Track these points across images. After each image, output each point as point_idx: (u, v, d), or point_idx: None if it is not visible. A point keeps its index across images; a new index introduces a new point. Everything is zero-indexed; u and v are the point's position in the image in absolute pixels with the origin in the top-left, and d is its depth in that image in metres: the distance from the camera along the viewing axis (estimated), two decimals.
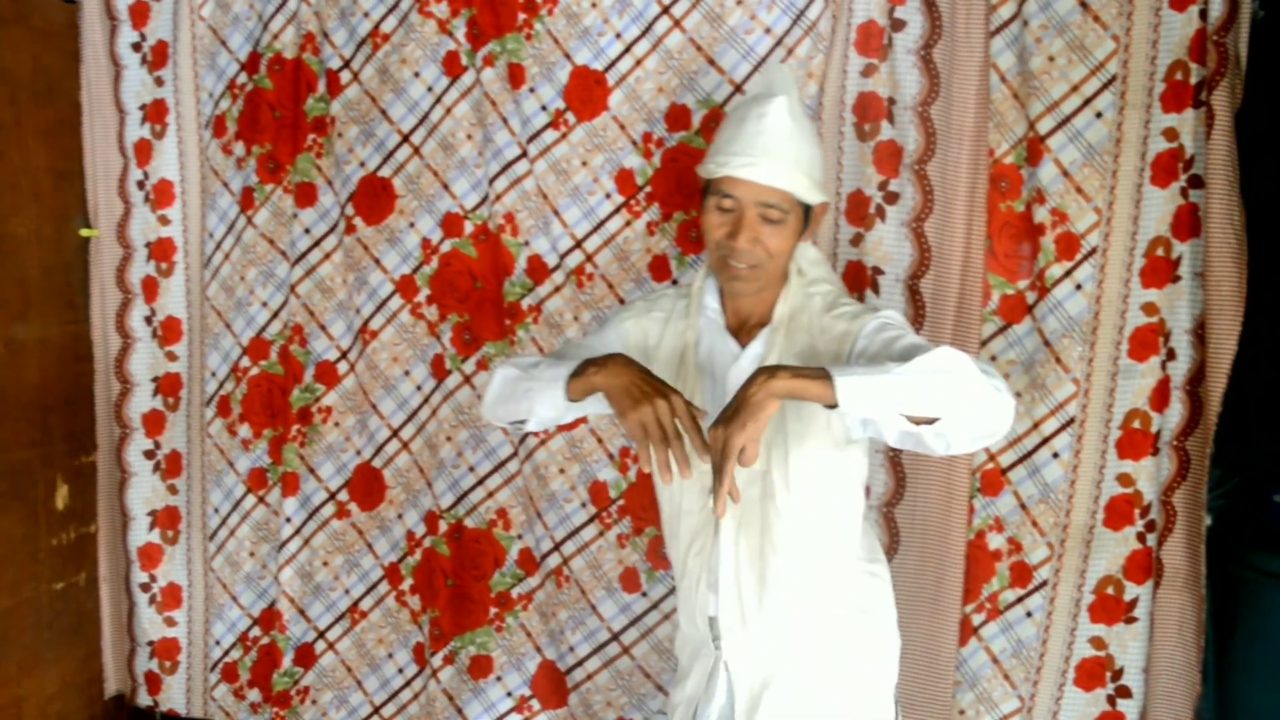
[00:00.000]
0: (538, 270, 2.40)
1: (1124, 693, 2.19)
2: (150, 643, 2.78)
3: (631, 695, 2.44)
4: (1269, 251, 2.10)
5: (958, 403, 1.40)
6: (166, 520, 2.76)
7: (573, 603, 2.45)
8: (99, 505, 2.77)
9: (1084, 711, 2.22)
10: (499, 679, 2.54)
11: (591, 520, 2.42)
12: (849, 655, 1.75)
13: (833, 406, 1.40)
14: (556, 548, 2.45)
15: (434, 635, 2.55)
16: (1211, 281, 2.05)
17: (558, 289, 2.39)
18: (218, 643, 2.77)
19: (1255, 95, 2.04)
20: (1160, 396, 2.12)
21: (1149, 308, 2.11)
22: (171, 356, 2.71)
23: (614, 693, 2.46)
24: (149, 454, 2.74)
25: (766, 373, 1.43)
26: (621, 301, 2.36)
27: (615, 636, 2.43)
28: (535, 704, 2.53)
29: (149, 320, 2.71)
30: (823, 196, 1.69)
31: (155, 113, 2.63)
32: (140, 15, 2.61)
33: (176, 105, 2.63)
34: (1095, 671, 2.21)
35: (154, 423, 2.73)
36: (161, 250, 2.68)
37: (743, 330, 1.75)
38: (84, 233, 2.68)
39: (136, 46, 2.63)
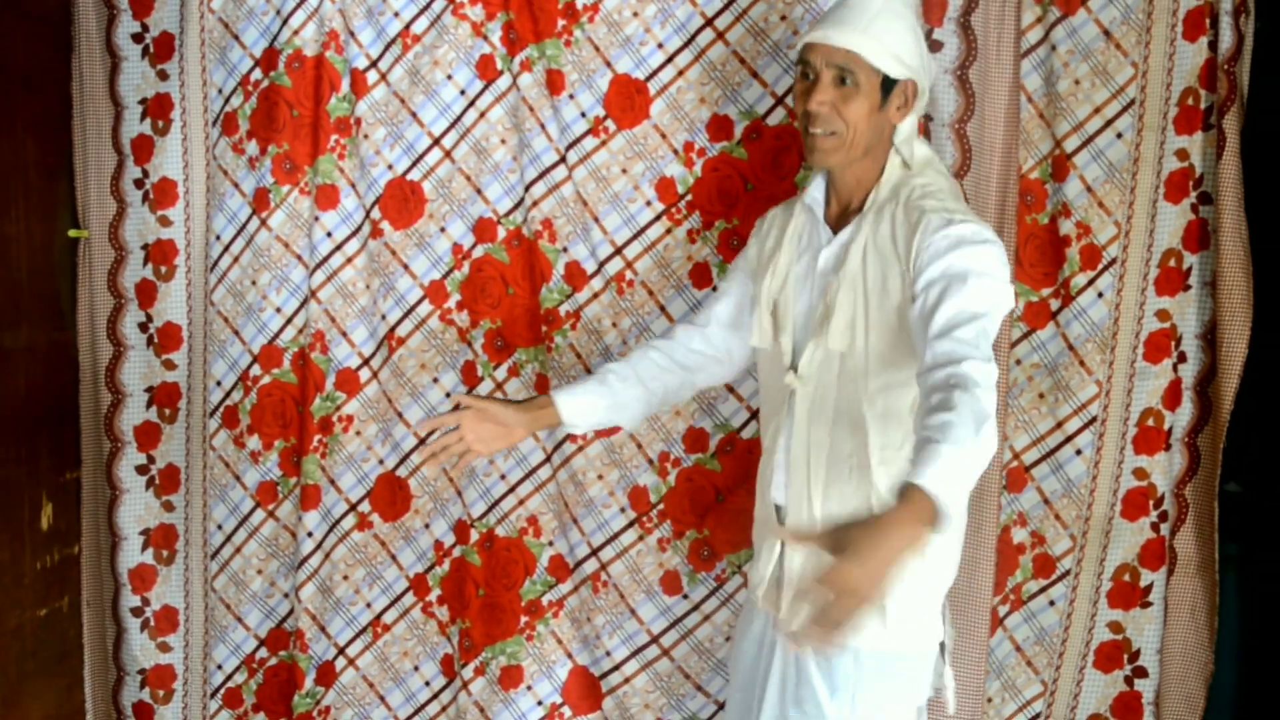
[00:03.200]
0: (576, 276, 2.40)
1: (1140, 673, 2.36)
2: (141, 671, 2.63)
3: (670, 696, 2.47)
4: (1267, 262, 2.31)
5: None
6: (161, 539, 2.61)
7: (610, 607, 2.46)
8: (83, 525, 2.60)
9: (1103, 692, 2.39)
10: (529, 688, 2.52)
11: (631, 525, 2.44)
12: (908, 571, 1.66)
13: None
14: (594, 553, 2.45)
15: (464, 646, 2.51)
16: (1223, 290, 2.24)
17: (596, 295, 2.40)
18: (219, 667, 2.63)
19: (1255, 118, 2.26)
20: (1172, 396, 2.31)
21: (1162, 314, 2.30)
22: (169, 365, 2.57)
23: (652, 695, 2.48)
24: (142, 469, 2.60)
25: (906, 536, 1.41)
26: (662, 308, 2.39)
27: (655, 639, 2.45)
28: (567, 710, 2.52)
29: (144, 327, 2.56)
30: (904, 71, 1.74)
31: (158, 108, 2.50)
32: (143, 5, 2.48)
33: (182, 100, 2.50)
34: (1113, 654, 2.37)
35: (148, 435, 2.59)
36: (161, 253, 2.54)
37: (843, 218, 1.83)
38: (73, 233, 2.53)
39: (138, 37, 2.49)
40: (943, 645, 1.86)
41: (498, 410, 2.01)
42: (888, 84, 1.74)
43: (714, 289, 2.37)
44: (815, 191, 1.88)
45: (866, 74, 1.72)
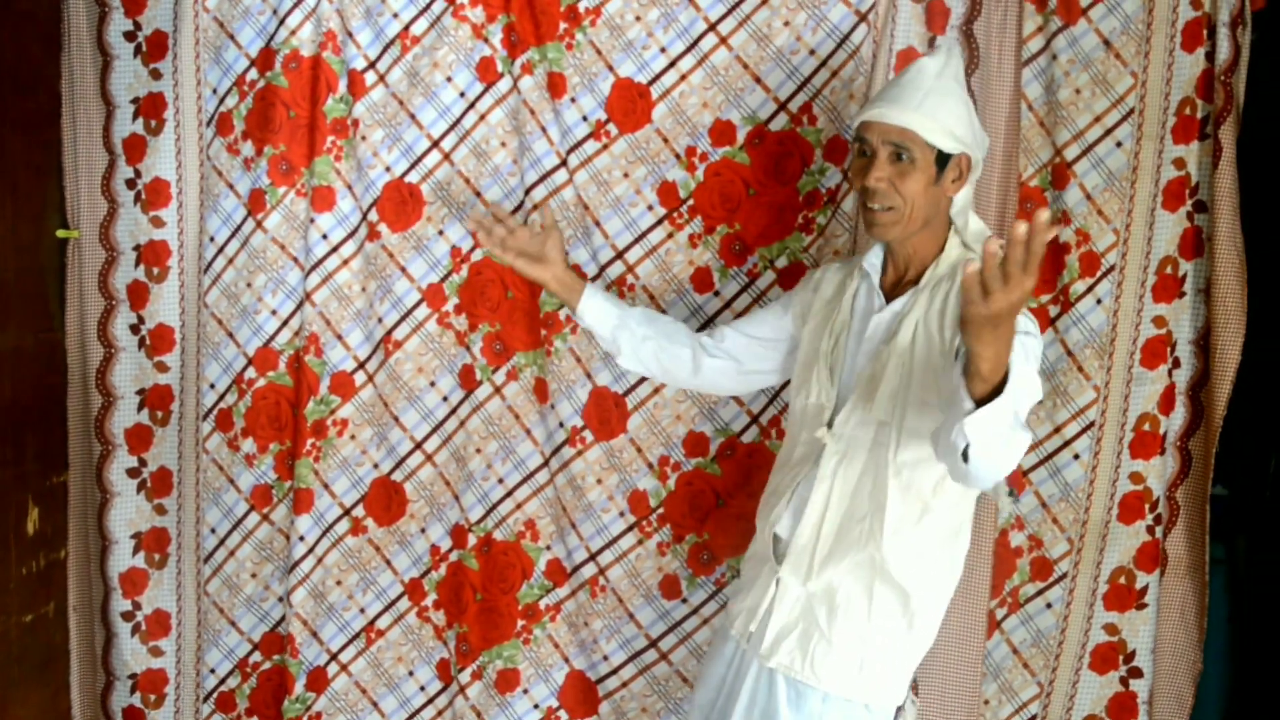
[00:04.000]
0: None
1: (1135, 673, 2.39)
2: (132, 675, 2.59)
3: (668, 700, 2.47)
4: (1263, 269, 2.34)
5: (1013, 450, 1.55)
6: (153, 543, 2.57)
7: (608, 612, 2.45)
8: (71, 529, 2.56)
9: (1099, 693, 2.41)
10: (526, 691, 2.51)
11: (630, 529, 2.43)
12: (883, 624, 1.81)
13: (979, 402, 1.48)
14: (592, 558, 2.45)
15: (461, 651, 2.49)
16: (1217, 297, 2.27)
17: None
18: (212, 671, 2.60)
19: (1250, 127, 2.29)
20: (1167, 401, 2.34)
21: (1158, 320, 2.33)
22: (161, 367, 2.53)
23: (649, 699, 2.47)
24: (133, 472, 2.55)
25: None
26: (663, 313, 2.36)
27: (653, 643, 2.45)
28: (563, 715, 2.52)
29: (135, 328, 2.52)
30: (958, 146, 1.79)
31: (150, 107, 2.45)
32: (135, 3, 2.43)
33: (176, 100, 2.46)
34: (1109, 655, 2.40)
35: (139, 438, 2.54)
36: (153, 254, 2.50)
37: (898, 286, 1.88)
38: (61, 234, 2.48)
39: (130, 35, 2.45)
40: (899, 710, 1.89)
41: (546, 248, 2.13)
42: (942, 159, 1.80)
43: (716, 293, 2.37)
44: (874, 258, 1.93)
45: (921, 150, 1.78)
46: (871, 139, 1.81)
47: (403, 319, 2.45)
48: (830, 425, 1.85)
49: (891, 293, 1.89)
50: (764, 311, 2.14)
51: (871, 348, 1.85)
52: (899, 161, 1.79)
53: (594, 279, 2.39)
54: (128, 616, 2.57)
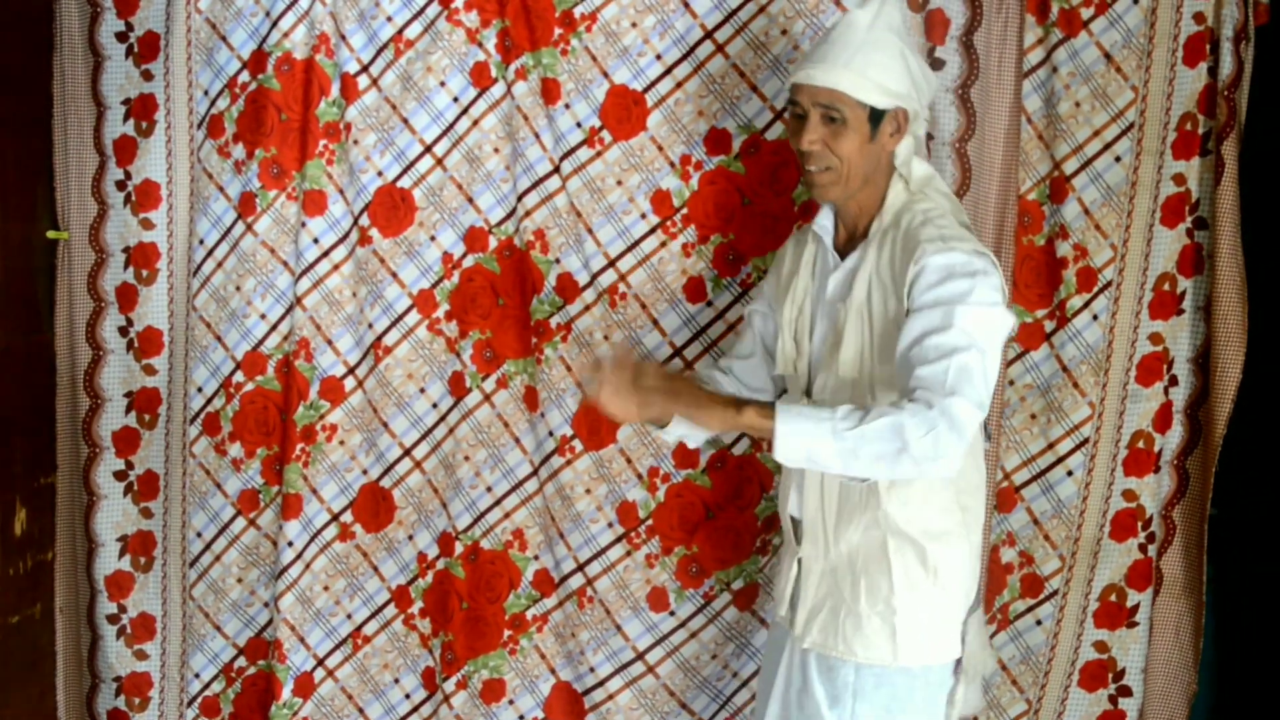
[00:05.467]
0: (568, 288, 2.37)
1: (1125, 692, 2.38)
2: (117, 678, 2.58)
3: (655, 714, 2.45)
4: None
5: (883, 472, 1.63)
6: (139, 546, 2.56)
7: (595, 623, 2.44)
8: (58, 531, 2.55)
9: (1087, 711, 2.40)
10: (511, 702, 2.50)
11: (619, 540, 2.41)
12: (906, 583, 1.79)
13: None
14: (580, 568, 2.43)
15: (446, 660, 2.48)
16: (1219, 315, 2.25)
17: (588, 308, 2.37)
18: (197, 675, 2.58)
19: (1250, 144, 2.26)
20: (1163, 419, 2.32)
21: (1155, 337, 2.31)
22: (149, 370, 2.52)
23: (635, 712, 2.46)
24: (120, 475, 2.54)
25: (734, 410, 1.67)
26: (654, 322, 2.36)
27: (640, 656, 2.43)
28: None
29: (124, 331, 2.51)
30: (891, 100, 1.75)
31: (141, 108, 2.44)
32: (127, 4, 2.42)
33: (167, 102, 2.44)
34: (1098, 673, 2.38)
35: (127, 441, 2.53)
36: (143, 256, 2.48)
37: (850, 243, 1.87)
38: (51, 235, 2.47)
39: (122, 36, 2.43)
40: (958, 663, 1.86)
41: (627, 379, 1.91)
42: (876, 114, 1.77)
43: (709, 303, 2.35)
44: (824, 219, 1.91)
45: (852, 109, 1.75)
46: (803, 101, 1.78)
47: (393, 325, 2.43)
48: (809, 394, 1.85)
49: (845, 250, 1.87)
50: (751, 324, 2.08)
51: (831, 309, 1.84)
52: (831, 123, 1.76)
53: (586, 287, 2.37)
54: (113, 619, 2.56)
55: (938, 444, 1.57)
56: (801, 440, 1.60)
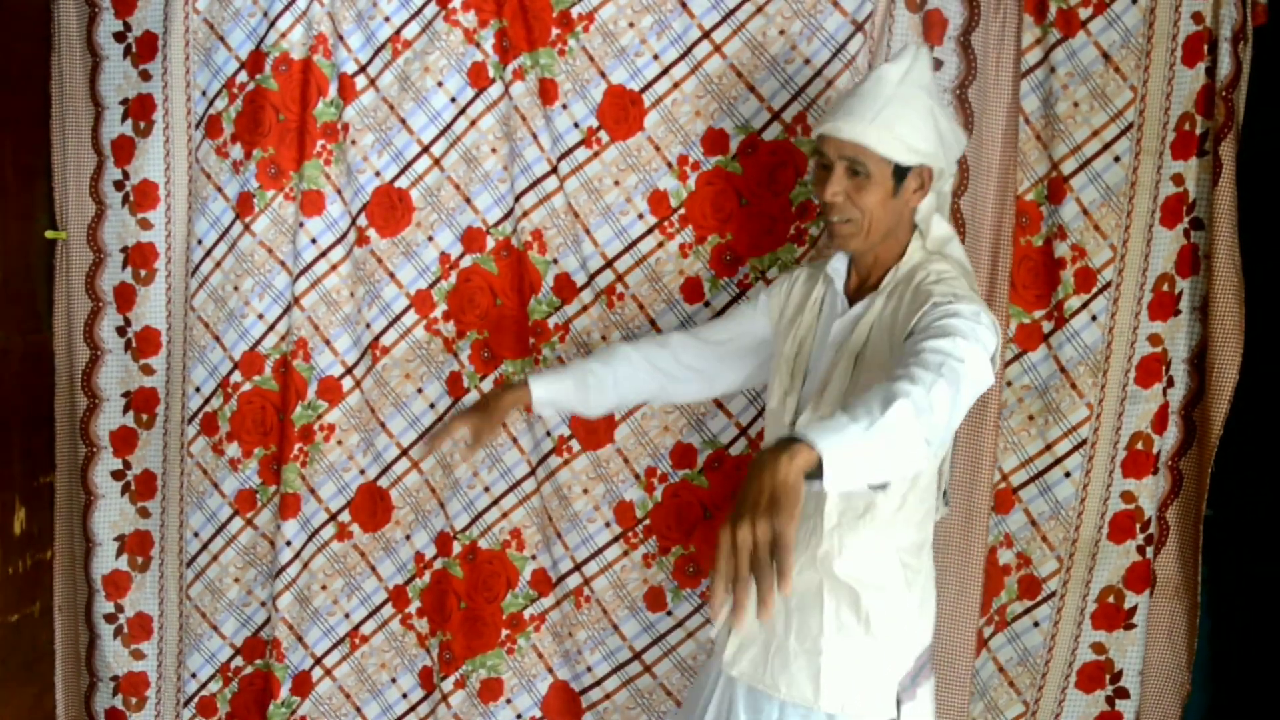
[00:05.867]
0: (566, 289, 2.37)
1: (1122, 694, 2.37)
2: (114, 677, 2.58)
3: (651, 713, 2.45)
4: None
5: (904, 467, 1.43)
6: (136, 546, 2.56)
7: (593, 623, 2.44)
8: (57, 530, 2.55)
9: (1084, 712, 2.39)
10: (509, 701, 2.50)
11: (616, 540, 2.41)
12: (836, 628, 1.76)
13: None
14: (577, 568, 2.43)
15: (444, 659, 2.48)
16: (1215, 316, 2.24)
17: (586, 308, 2.37)
18: (193, 675, 2.59)
19: (1247, 144, 2.25)
20: (1161, 420, 2.31)
21: (1154, 338, 2.29)
22: (147, 370, 2.52)
23: (633, 711, 2.46)
24: (118, 474, 2.54)
25: (786, 457, 1.31)
26: (652, 322, 2.36)
27: (637, 655, 2.44)
28: None
29: (122, 331, 2.51)
30: (916, 158, 1.75)
31: (139, 108, 2.44)
32: (125, 4, 2.41)
33: (165, 102, 2.44)
34: (1096, 675, 2.37)
35: (124, 441, 2.53)
36: (141, 256, 2.48)
37: (861, 291, 1.86)
38: (50, 235, 2.47)
39: (120, 36, 2.43)
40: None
41: (475, 419, 1.98)
42: (900, 171, 1.76)
43: (706, 304, 2.35)
44: (838, 263, 1.90)
45: (876, 164, 1.74)
46: (828, 152, 1.78)
47: (391, 325, 2.43)
48: (793, 425, 1.85)
49: (855, 297, 1.86)
50: (737, 316, 2.07)
51: (832, 352, 1.83)
52: (855, 176, 1.75)
53: (583, 287, 2.37)
54: (110, 619, 2.56)
55: (940, 423, 1.43)
56: (847, 459, 1.35)
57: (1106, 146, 2.26)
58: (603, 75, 2.31)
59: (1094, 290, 2.29)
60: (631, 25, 2.29)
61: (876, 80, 1.77)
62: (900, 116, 1.73)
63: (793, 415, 1.86)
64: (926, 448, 1.42)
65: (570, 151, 2.34)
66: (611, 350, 2.06)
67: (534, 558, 2.47)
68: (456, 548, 2.46)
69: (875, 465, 1.38)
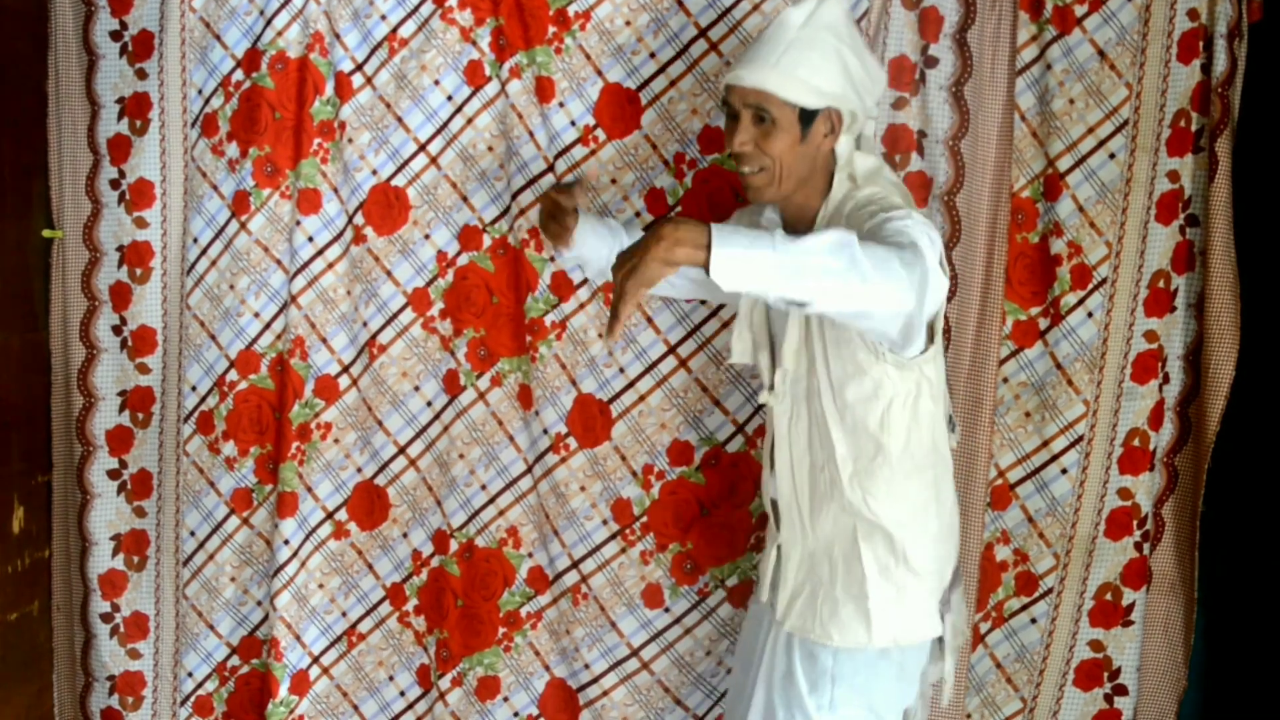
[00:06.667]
0: (562, 286, 2.37)
1: (1120, 691, 2.37)
2: (110, 677, 2.58)
3: (649, 710, 2.45)
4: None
5: (831, 291, 1.48)
6: (132, 545, 2.56)
7: (590, 620, 2.44)
8: (54, 529, 2.55)
9: (1083, 710, 2.39)
10: (506, 699, 2.50)
11: (613, 537, 2.41)
12: (877, 569, 1.82)
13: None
14: (574, 565, 2.43)
15: (441, 657, 2.48)
16: (1211, 312, 2.24)
17: (583, 306, 2.37)
18: (190, 674, 2.59)
19: (1243, 141, 2.26)
20: (1157, 417, 2.31)
21: (1150, 335, 2.30)
22: (143, 369, 2.52)
23: (630, 708, 2.46)
24: (113, 474, 2.54)
25: (671, 234, 1.46)
26: (649, 320, 2.36)
27: (635, 652, 2.43)
28: None
29: (118, 330, 2.50)
30: (822, 100, 1.73)
31: (135, 107, 2.44)
32: (121, 3, 2.41)
33: (161, 100, 2.44)
34: (1094, 672, 2.38)
35: (120, 440, 2.53)
36: (136, 254, 2.48)
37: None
38: (46, 234, 2.47)
39: (116, 35, 2.43)
40: (940, 641, 1.90)
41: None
42: (807, 115, 1.74)
43: (703, 301, 2.34)
44: (772, 213, 1.93)
45: (780, 109, 1.73)
46: (734, 102, 1.77)
47: (388, 323, 2.43)
48: (772, 388, 1.88)
49: None
50: None
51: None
52: (761, 123, 1.75)
53: (580, 285, 2.37)
54: (106, 618, 2.56)
55: (888, 267, 1.49)
56: (741, 253, 1.45)
57: (1102, 143, 2.27)
58: (599, 73, 2.32)
59: (1090, 287, 2.30)
60: (628, 23, 2.30)
61: (779, 25, 1.75)
62: (802, 60, 1.72)
63: (769, 377, 1.89)
64: (862, 284, 1.46)
65: (567, 150, 2.34)
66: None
67: (531, 555, 2.47)
68: (453, 546, 2.46)
69: (782, 280, 1.46)
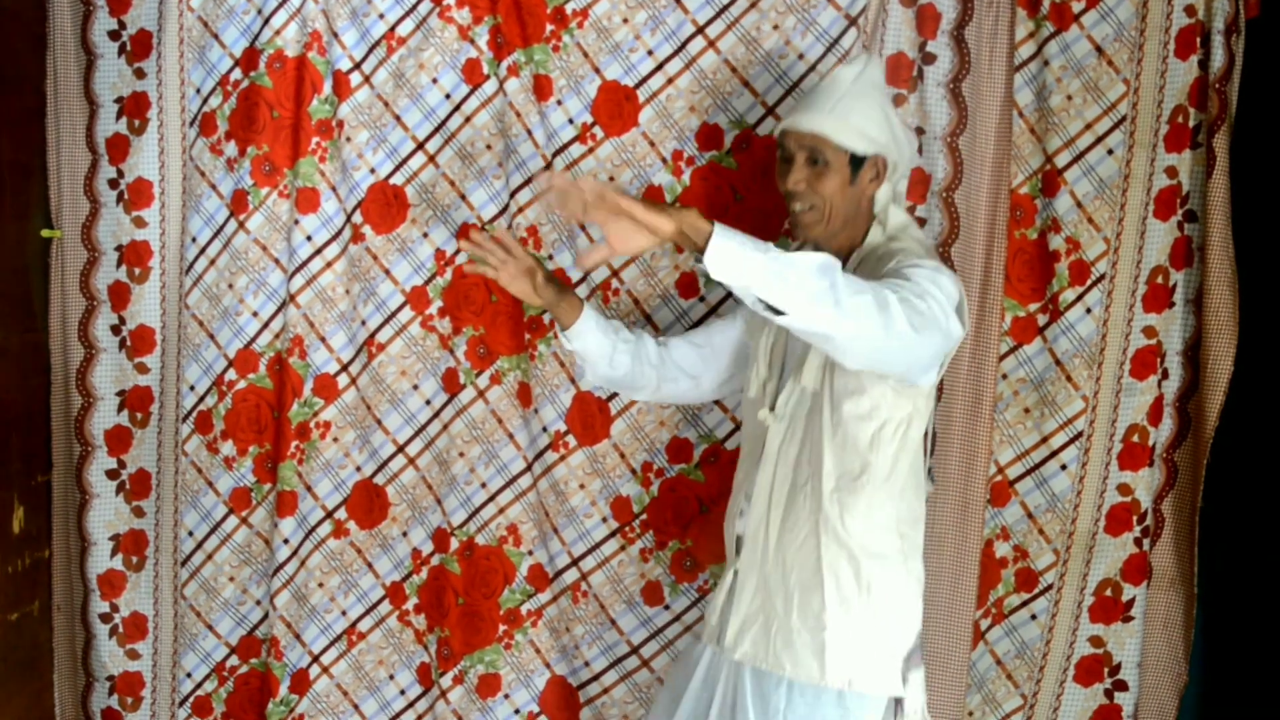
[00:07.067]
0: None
1: (1121, 686, 2.37)
2: (110, 677, 2.58)
3: (649, 707, 2.45)
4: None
5: (805, 306, 1.57)
6: (131, 545, 2.56)
7: (590, 618, 2.44)
8: (54, 529, 2.55)
9: (1083, 706, 2.39)
10: (506, 696, 2.50)
11: (613, 535, 2.42)
12: (838, 598, 1.80)
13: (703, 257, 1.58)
14: (574, 563, 2.43)
15: (442, 655, 2.48)
16: (1209, 308, 2.25)
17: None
18: (189, 675, 2.59)
19: (1241, 137, 2.26)
20: (1156, 412, 2.32)
21: (1149, 330, 2.30)
22: (142, 369, 2.52)
23: (630, 705, 2.46)
24: (112, 474, 2.54)
25: (681, 211, 1.61)
26: (648, 318, 2.36)
27: (635, 650, 2.44)
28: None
29: (116, 329, 2.51)
30: (871, 147, 1.85)
31: (134, 107, 2.44)
32: (120, 2, 2.42)
33: (160, 100, 2.44)
34: (1094, 668, 2.38)
35: (119, 440, 2.53)
36: (135, 254, 2.48)
37: None
38: (45, 234, 2.47)
39: (114, 35, 2.43)
40: (898, 702, 1.84)
41: (537, 271, 2.09)
42: (856, 161, 1.86)
43: (701, 298, 2.35)
44: None
45: (834, 153, 1.85)
46: (789, 145, 1.89)
47: (386, 321, 2.44)
48: (773, 408, 1.90)
49: None
50: (715, 320, 2.20)
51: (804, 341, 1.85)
52: (814, 165, 1.86)
53: (579, 282, 2.37)
54: (106, 618, 2.56)
55: (862, 303, 1.58)
56: (736, 247, 1.56)
57: (1100, 139, 2.27)
58: (597, 71, 2.32)
59: (1088, 283, 2.30)
60: (625, 21, 2.30)
61: (833, 80, 1.90)
62: (854, 109, 1.85)
63: (772, 400, 1.91)
64: (834, 309, 1.56)
65: (565, 147, 2.34)
66: (635, 332, 2.16)
67: (531, 553, 2.47)
68: (453, 544, 2.46)
69: (765, 282, 1.56)
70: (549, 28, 2.31)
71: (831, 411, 1.82)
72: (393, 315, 2.43)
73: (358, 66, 2.38)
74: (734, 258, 1.56)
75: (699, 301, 2.36)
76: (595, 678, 2.47)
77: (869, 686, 1.81)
